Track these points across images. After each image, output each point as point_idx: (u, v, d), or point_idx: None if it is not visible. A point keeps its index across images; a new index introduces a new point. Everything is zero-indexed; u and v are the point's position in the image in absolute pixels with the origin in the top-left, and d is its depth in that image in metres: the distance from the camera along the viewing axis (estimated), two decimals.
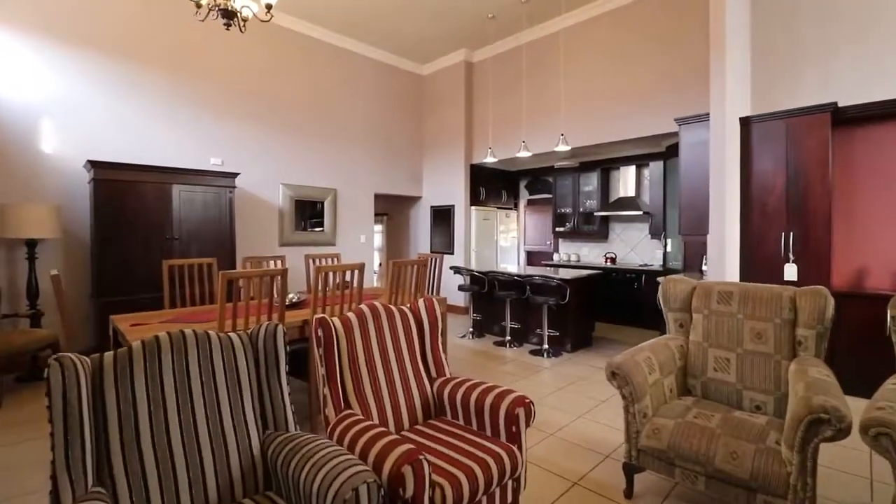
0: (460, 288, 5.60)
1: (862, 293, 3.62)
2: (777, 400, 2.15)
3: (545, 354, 4.71)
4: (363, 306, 2.15)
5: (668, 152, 5.68)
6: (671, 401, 2.28)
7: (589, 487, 2.28)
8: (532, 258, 8.30)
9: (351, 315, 2.08)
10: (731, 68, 3.80)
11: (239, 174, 4.98)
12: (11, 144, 4.03)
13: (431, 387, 2.20)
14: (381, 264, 8.33)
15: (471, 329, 5.65)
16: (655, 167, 6.05)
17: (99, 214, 4.10)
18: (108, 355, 1.46)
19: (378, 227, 8.38)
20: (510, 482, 1.82)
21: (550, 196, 7.74)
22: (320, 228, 6.22)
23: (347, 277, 3.07)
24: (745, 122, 3.98)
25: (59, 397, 1.24)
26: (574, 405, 3.38)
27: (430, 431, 1.95)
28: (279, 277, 2.60)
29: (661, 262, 6.00)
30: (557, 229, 7.30)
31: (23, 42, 4.07)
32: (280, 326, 1.73)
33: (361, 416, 1.77)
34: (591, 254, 7.18)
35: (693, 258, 5.09)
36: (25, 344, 3.49)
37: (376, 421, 1.94)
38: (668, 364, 2.33)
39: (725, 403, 2.28)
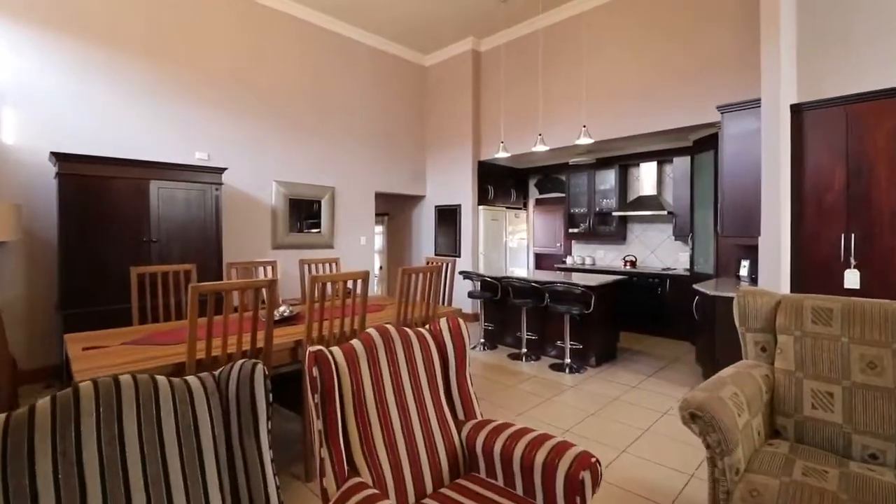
0: (471, 295, 5.12)
1: None
2: None
3: (567, 370, 4.24)
4: (371, 331, 1.66)
5: (697, 147, 5.22)
6: (761, 447, 1.81)
7: None
8: (541, 261, 7.83)
9: (356, 343, 1.59)
10: (786, 46, 3.34)
11: (226, 169, 4.48)
12: None
13: (459, 433, 1.72)
14: (381, 268, 7.84)
15: (482, 340, 5.17)
16: (680, 163, 5.59)
17: (66, 214, 3.59)
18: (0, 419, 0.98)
19: (378, 228, 7.90)
20: None
21: (560, 195, 7.28)
22: (317, 230, 5.73)
23: (351, 286, 2.59)
24: (796, 110, 3.51)
25: None
26: (613, 435, 2.91)
27: (461, 499, 1.46)
28: (266, 289, 2.12)
29: (688, 266, 5.54)
30: (571, 230, 6.83)
31: None
32: (260, 367, 1.24)
33: (372, 489, 1.28)
34: (606, 256, 6.72)
35: (727, 262, 4.63)
36: None
37: (391, 484, 1.46)
38: (756, 400, 1.85)
39: (829, 450, 1.80)
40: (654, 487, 2.30)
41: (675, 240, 5.86)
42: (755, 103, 3.52)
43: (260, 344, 2.16)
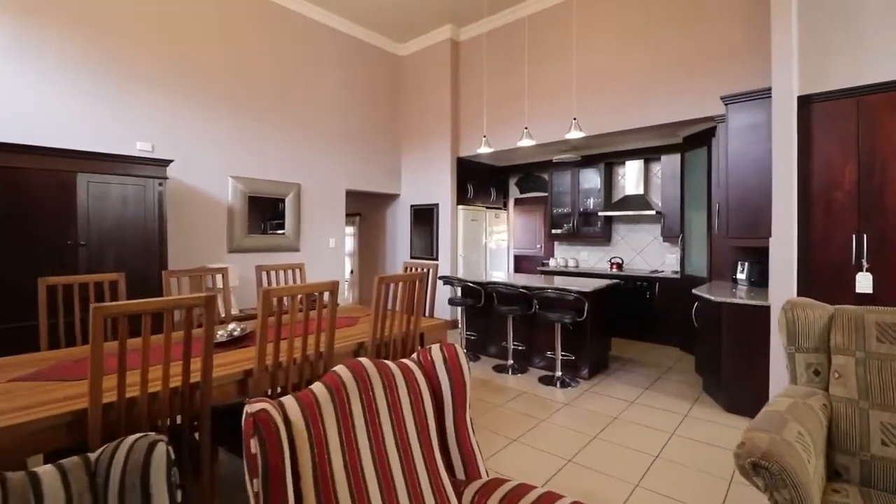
0: (451, 302, 4.70)
1: None
2: None
3: (558, 384, 3.88)
4: (341, 370, 1.22)
5: (687, 144, 4.99)
6: (826, 495, 1.46)
7: None
8: (520, 263, 7.50)
9: (319, 390, 1.14)
10: (796, 31, 3.09)
11: (171, 162, 3.90)
12: None
13: (460, 499, 1.29)
14: (352, 272, 7.32)
15: (464, 350, 4.75)
16: (668, 161, 5.35)
17: None
18: None
19: (350, 229, 7.38)
20: None
21: (542, 194, 6.97)
22: (281, 231, 5.18)
23: (327, 297, 2.12)
24: (803, 102, 3.26)
25: None
26: (622, 465, 2.55)
27: None
28: (204, 308, 1.63)
29: (678, 269, 5.30)
30: (553, 231, 6.51)
31: None
32: (161, 449, 0.78)
33: None
34: (591, 258, 6.44)
35: (721, 264, 4.40)
36: None
37: None
38: (819, 438, 1.51)
39: None
40: None
41: (664, 241, 5.63)
42: (763, 93, 3.25)
43: (196, 377, 1.67)
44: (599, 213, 5.93)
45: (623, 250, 6.09)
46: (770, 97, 3.15)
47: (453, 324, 6.02)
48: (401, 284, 2.44)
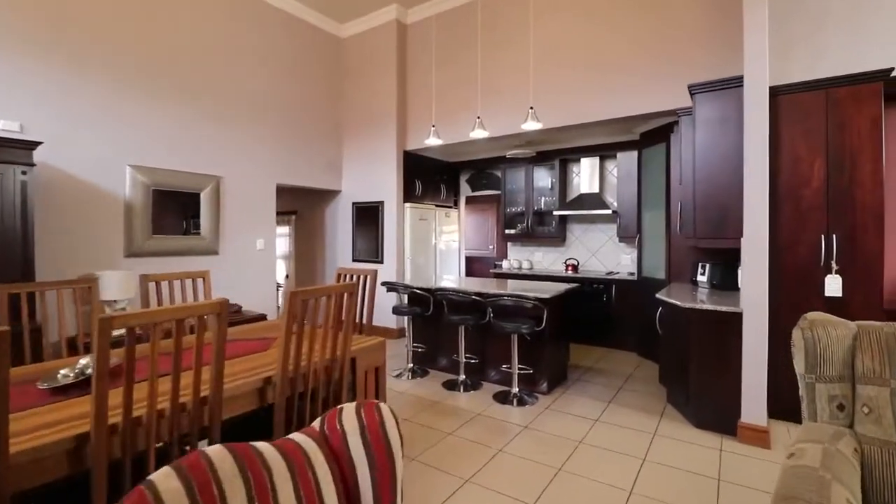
0: (396, 311, 4.18)
1: None
2: None
3: (515, 401, 3.47)
4: (212, 454, 0.69)
5: (644, 140, 4.78)
6: None
7: None
8: (472, 265, 7.09)
9: (169, 494, 0.61)
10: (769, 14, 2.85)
11: (40, 144, 3.11)
12: None
13: None
14: (287, 276, 6.60)
15: (410, 365, 4.25)
16: (625, 158, 5.13)
17: None
18: None
19: (284, 230, 6.65)
20: None
21: (494, 192, 6.62)
22: (196, 231, 4.43)
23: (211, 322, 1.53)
24: (770, 95, 3.05)
25: None
26: None
27: None
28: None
29: (635, 270, 5.09)
30: (507, 231, 6.16)
31: None
32: None
33: None
34: (545, 259, 6.15)
35: (681, 266, 4.19)
36: None
37: None
38: (858, 496, 1.16)
39: None
40: None
41: (620, 241, 5.42)
42: (733, 82, 3.01)
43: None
44: (554, 213, 5.64)
45: (578, 251, 5.84)
46: (741, 86, 2.90)
47: (399, 332, 5.50)
48: (324, 299, 1.90)
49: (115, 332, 1.26)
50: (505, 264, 6.16)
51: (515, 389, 3.56)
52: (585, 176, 5.56)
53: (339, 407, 0.95)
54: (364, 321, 2.82)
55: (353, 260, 5.93)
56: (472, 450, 2.73)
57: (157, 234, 4.12)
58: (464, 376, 3.90)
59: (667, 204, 4.29)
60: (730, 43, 3.42)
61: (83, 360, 1.76)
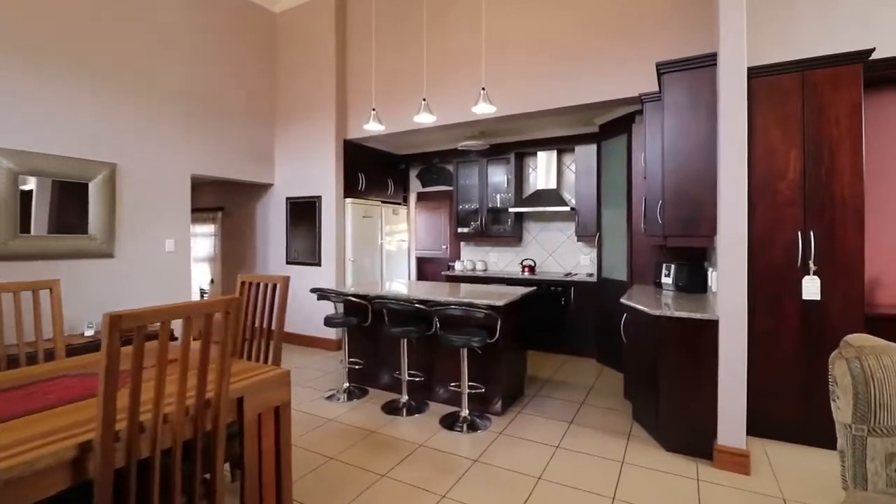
0: (328, 322, 3.59)
1: None
2: None
3: (465, 427, 2.99)
4: None
5: (604, 132, 4.45)
6: None
7: None
8: (424, 267, 6.59)
9: None
10: None
11: None
12: None
13: None
14: (212, 281, 5.82)
15: (346, 385, 3.68)
16: (583, 152, 4.80)
17: None
18: None
19: (208, 228, 5.87)
20: None
21: (447, 188, 6.15)
22: (82, 231, 3.64)
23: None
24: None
25: None
26: None
27: None
28: None
29: (594, 271, 4.77)
30: (460, 230, 5.70)
31: None
32: None
33: None
34: (500, 260, 5.74)
35: (643, 266, 3.89)
36: None
37: None
38: None
39: None
40: None
41: (578, 240, 5.08)
42: (708, 60, 2.66)
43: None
44: (510, 210, 5.23)
45: (535, 251, 5.46)
46: (714, 65, 2.56)
47: (339, 345, 4.90)
48: (185, 321, 1.32)
49: None
50: (458, 266, 5.70)
51: (465, 412, 3.08)
52: (542, 170, 5.19)
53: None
54: (272, 344, 2.23)
55: (288, 262, 5.26)
56: (409, 497, 2.21)
57: (26, 234, 3.32)
58: (406, 397, 3.38)
59: (628, 200, 3.96)
60: (698, 23, 3.11)
61: None
